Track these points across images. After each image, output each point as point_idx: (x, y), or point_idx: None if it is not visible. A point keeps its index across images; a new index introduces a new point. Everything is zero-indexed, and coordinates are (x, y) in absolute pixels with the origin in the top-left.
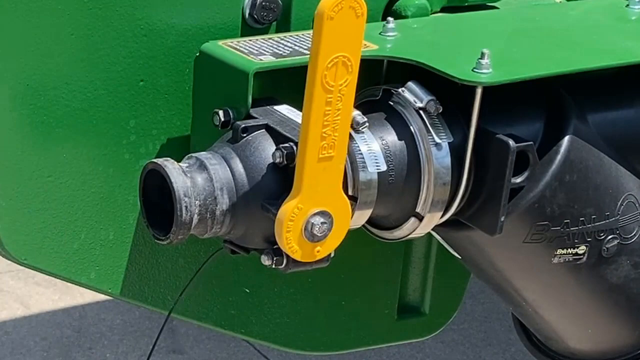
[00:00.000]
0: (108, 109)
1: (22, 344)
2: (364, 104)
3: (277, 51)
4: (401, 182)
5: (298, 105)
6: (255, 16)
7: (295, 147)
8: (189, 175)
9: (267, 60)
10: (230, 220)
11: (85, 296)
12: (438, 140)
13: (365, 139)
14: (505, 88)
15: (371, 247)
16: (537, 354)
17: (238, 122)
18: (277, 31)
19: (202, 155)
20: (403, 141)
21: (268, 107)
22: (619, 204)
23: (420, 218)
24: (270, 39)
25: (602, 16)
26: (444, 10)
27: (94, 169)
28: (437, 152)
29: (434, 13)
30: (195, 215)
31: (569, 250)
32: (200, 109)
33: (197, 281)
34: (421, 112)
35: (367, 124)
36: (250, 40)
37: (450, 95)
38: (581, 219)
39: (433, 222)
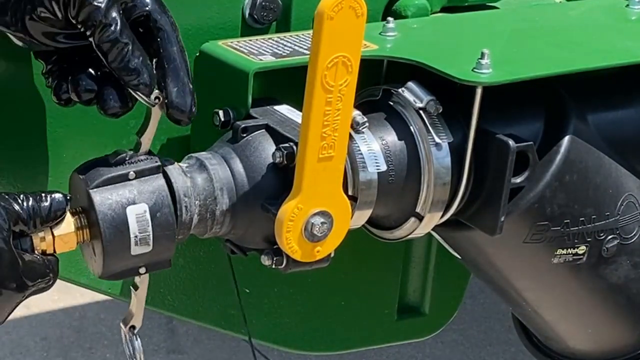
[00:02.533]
0: None
1: (21, 344)
2: (364, 104)
3: (277, 51)
4: (401, 182)
5: (298, 105)
6: (255, 16)
7: (295, 147)
8: (188, 175)
9: (267, 60)
10: (230, 220)
11: (85, 296)
12: (438, 141)
13: (365, 139)
14: (505, 88)
15: (371, 247)
16: (537, 354)
17: (238, 122)
18: (277, 31)
19: (202, 155)
20: (403, 141)
21: (268, 107)
22: (619, 204)
23: (420, 218)
24: (270, 39)
25: (602, 16)
26: (444, 10)
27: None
28: (437, 152)
29: (434, 13)
30: (195, 216)
31: (569, 251)
32: (200, 109)
33: (197, 281)
34: (421, 112)
35: (367, 124)
36: (250, 40)
37: (450, 96)
38: (581, 219)
39: (433, 222)
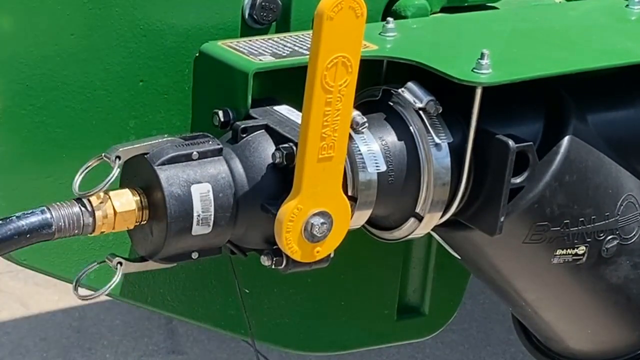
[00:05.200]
0: (108, 109)
1: (21, 345)
2: (364, 104)
3: (276, 51)
4: (401, 183)
5: (298, 106)
6: (255, 16)
7: (294, 148)
8: None
9: (267, 60)
10: (230, 220)
11: None
12: (438, 141)
13: (365, 139)
14: (505, 88)
15: (371, 247)
16: (537, 355)
17: (238, 123)
18: (277, 31)
19: None
20: (403, 141)
21: (268, 107)
22: (618, 204)
23: (419, 218)
24: (269, 39)
25: (602, 16)
26: (443, 10)
27: (94, 170)
28: (436, 152)
29: (433, 13)
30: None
31: (569, 251)
32: (200, 109)
33: (197, 281)
34: (421, 112)
35: (366, 125)
36: (250, 40)
37: (450, 96)
38: (581, 219)
39: (433, 223)
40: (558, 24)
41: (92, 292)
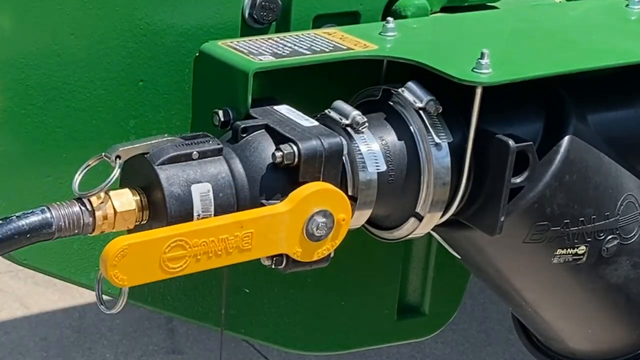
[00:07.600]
0: (108, 109)
1: (21, 344)
2: (364, 104)
3: (276, 51)
4: (401, 182)
5: (298, 105)
6: (255, 16)
7: (295, 148)
8: None
9: (267, 60)
10: None
11: (85, 296)
12: (438, 141)
13: (365, 139)
14: (505, 88)
15: (371, 247)
16: (537, 354)
17: (238, 122)
18: (277, 31)
19: None
20: (403, 141)
21: (268, 107)
22: (618, 204)
23: (420, 218)
24: (269, 39)
25: (602, 16)
26: (444, 10)
27: (94, 169)
28: (436, 152)
29: (433, 13)
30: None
31: (569, 251)
32: (200, 109)
33: (197, 281)
34: (421, 112)
35: (366, 124)
36: (250, 40)
37: (450, 95)
38: (581, 219)
39: (433, 222)
40: (558, 24)
41: None
